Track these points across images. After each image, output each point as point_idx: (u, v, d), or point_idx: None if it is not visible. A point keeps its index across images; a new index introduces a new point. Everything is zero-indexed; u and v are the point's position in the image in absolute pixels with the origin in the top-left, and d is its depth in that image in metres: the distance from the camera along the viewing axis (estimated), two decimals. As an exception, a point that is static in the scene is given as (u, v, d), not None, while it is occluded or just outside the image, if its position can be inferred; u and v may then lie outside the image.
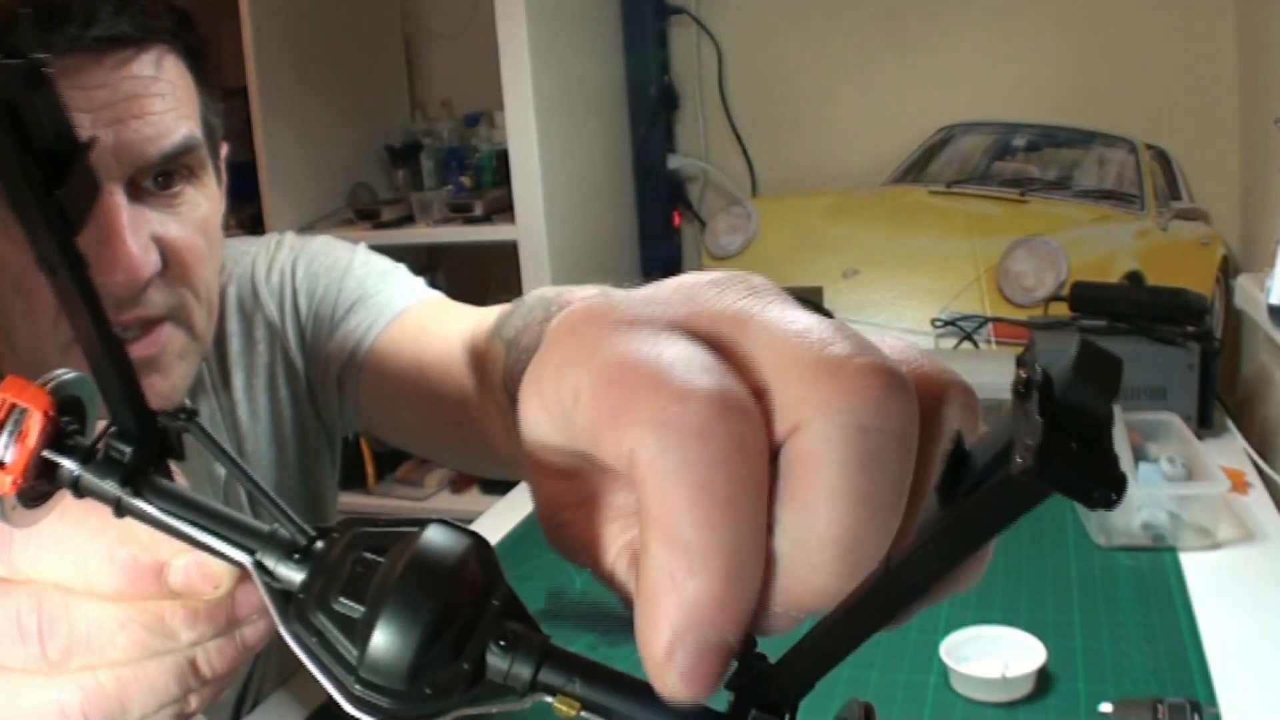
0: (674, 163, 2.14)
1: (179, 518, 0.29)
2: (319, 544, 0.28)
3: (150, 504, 0.29)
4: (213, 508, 0.29)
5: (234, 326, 0.86)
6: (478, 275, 2.18)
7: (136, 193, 0.67)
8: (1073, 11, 1.88)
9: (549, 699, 0.26)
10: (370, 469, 2.01)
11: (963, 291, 1.80)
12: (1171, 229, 1.78)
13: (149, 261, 0.66)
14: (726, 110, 2.11)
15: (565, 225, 1.84)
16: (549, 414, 0.28)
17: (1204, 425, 1.32)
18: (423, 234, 1.97)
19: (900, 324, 1.80)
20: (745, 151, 2.12)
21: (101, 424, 0.30)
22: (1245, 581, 0.96)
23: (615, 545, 0.28)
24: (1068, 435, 0.20)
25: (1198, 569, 0.98)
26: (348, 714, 0.26)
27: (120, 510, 0.29)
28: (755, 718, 0.26)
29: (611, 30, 2.05)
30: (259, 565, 0.28)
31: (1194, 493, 1.03)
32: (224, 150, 0.79)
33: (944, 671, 0.81)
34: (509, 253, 1.81)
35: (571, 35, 1.89)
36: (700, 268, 2.16)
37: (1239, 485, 1.13)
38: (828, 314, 0.27)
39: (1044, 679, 0.80)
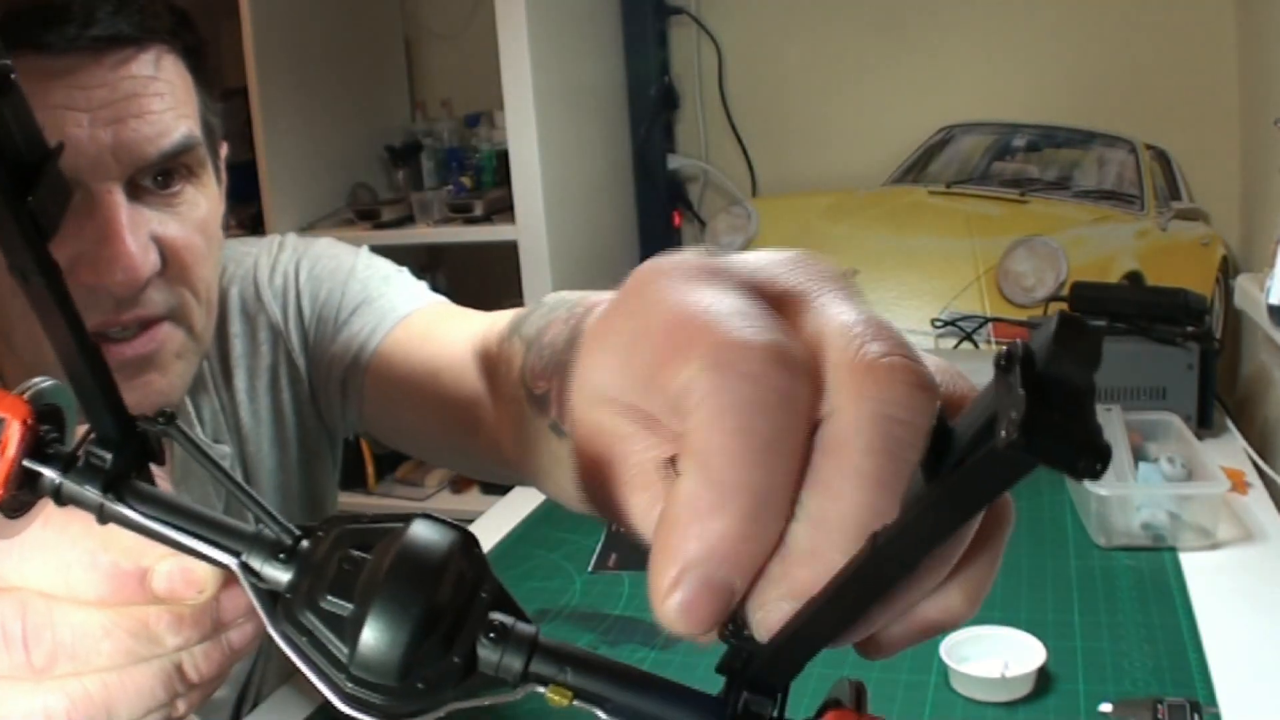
0: (674, 163, 2.14)
1: (162, 522, 0.29)
2: (305, 543, 0.28)
3: (133, 509, 0.29)
4: (196, 511, 0.29)
5: (237, 328, 0.86)
6: (478, 275, 2.18)
7: (136, 192, 0.67)
8: (1073, 12, 1.88)
9: (541, 689, 0.26)
10: (370, 469, 2.01)
11: (963, 291, 1.80)
12: (1171, 229, 1.78)
13: (148, 261, 0.66)
14: (726, 110, 2.11)
15: (565, 225, 1.84)
16: (611, 356, 0.29)
17: (1204, 425, 1.32)
18: (423, 234, 1.97)
19: (900, 324, 1.77)
20: (745, 151, 2.12)
21: (82, 431, 0.30)
22: (1245, 581, 0.96)
23: (647, 499, 0.29)
24: (1051, 407, 0.20)
25: (1197, 569, 0.98)
26: (345, 714, 0.26)
27: (103, 517, 0.29)
28: (747, 700, 0.26)
29: (611, 30, 2.05)
30: (245, 566, 0.28)
31: (1194, 493, 1.03)
32: (224, 150, 0.79)
33: (944, 671, 0.81)
34: (509, 253, 1.81)
35: (571, 35, 1.89)
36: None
37: (1239, 485, 1.13)
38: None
39: (1044, 679, 0.80)
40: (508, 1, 1.72)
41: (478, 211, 1.90)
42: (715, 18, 2.09)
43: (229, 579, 0.29)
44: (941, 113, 1.98)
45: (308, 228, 1.99)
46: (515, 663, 0.26)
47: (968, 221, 1.85)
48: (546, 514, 1.20)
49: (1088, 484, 1.03)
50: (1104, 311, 1.42)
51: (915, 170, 1.98)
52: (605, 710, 0.26)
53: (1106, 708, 0.76)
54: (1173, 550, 1.01)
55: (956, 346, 1.76)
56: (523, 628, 0.27)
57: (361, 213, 2.01)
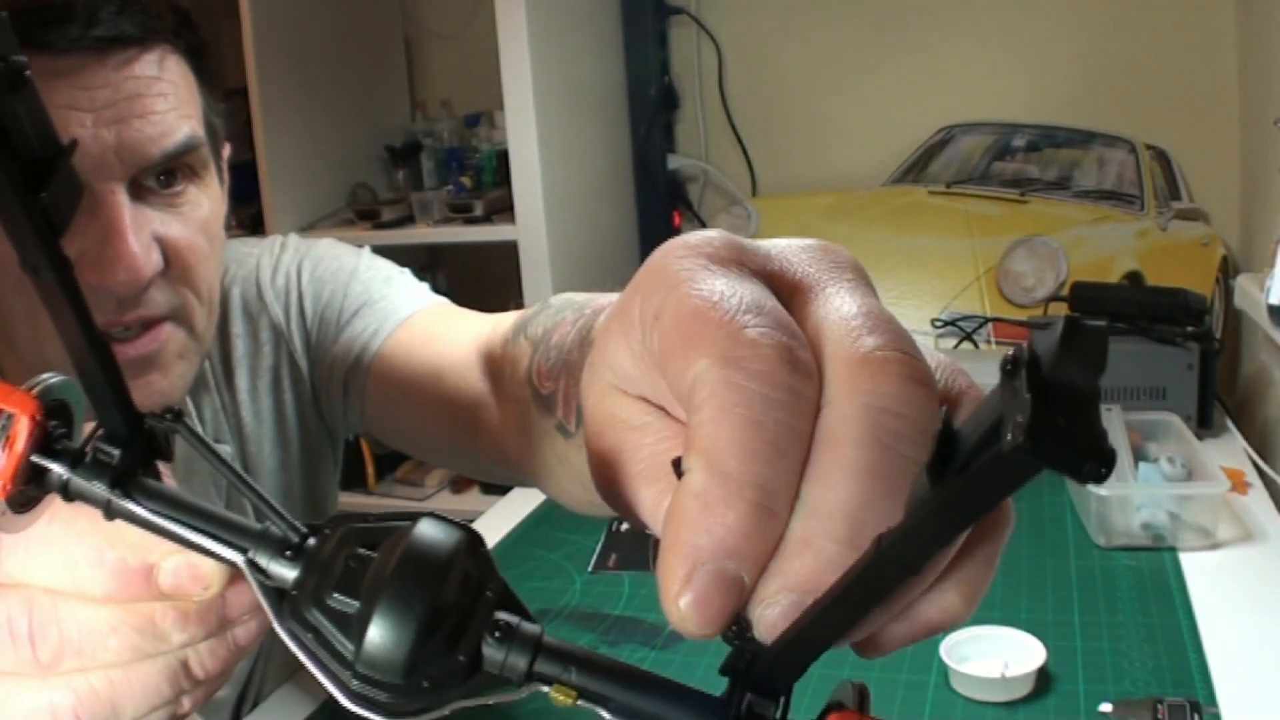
0: (674, 163, 2.14)
1: (169, 518, 0.29)
2: (311, 541, 0.28)
3: (140, 505, 0.29)
4: (203, 508, 0.29)
5: (239, 328, 0.86)
6: (478, 275, 2.18)
7: (139, 192, 0.67)
8: (1072, 12, 1.88)
9: (545, 689, 0.26)
10: (370, 469, 2.01)
11: (963, 291, 1.80)
12: (1171, 229, 1.78)
13: (151, 261, 0.66)
14: (726, 110, 2.11)
15: (565, 225, 1.84)
16: (625, 343, 0.29)
17: (1204, 425, 1.32)
18: (423, 234, 1.97)
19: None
20: (745, 151, 2.12)
21: (89, 427, 0.30)
22: (1245, 581, 0.96)
23: (656, 492, 0.29)
24: (1057, 411, 0.20)
25: (1197, 569, 0.98)
26: (348, 712, 0.26)
27: (110, 513, 0.29)
28: (750, 701, 0.26)
29: (611, 30, 2.05)
30: (252, 564, 0.28)
31: (1194, 493, 1.03)
32: (226, 151, 0.79)
33: (944, 671, 0.81)
34: (509, 253, 1.81)
35: (571, 35, 1.89)
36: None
37: (1239, 485, 1.13)
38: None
39: (1044, 679, 0.80)
40: (508, 1, 1.72)
41: (478, 211, 1.90)
42: (715, 18, 2.09)
43: (235, 575, 0.29)
44: (941, 113, 1.98)
45: (308, 228, 1.99)
46: (520, 662, 0.26)
47: (968, 221, 1.85)
48: (546, 514, 1.20)
49: (1089, 484, 1.03)
50: (1104, 311, 1.42)
51: (915, 170, 1.98)
52: (609, 710, 0.26)
53: (1106, 708, 0.76)
54: (1173, 550, 1.01)
55: (956, 346, 1.76)
56: (528, 627, 0.27)
57: (361, 213, 2.02)
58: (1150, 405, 1.30)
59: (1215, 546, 1.02)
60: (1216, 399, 1.36)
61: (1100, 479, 0.20)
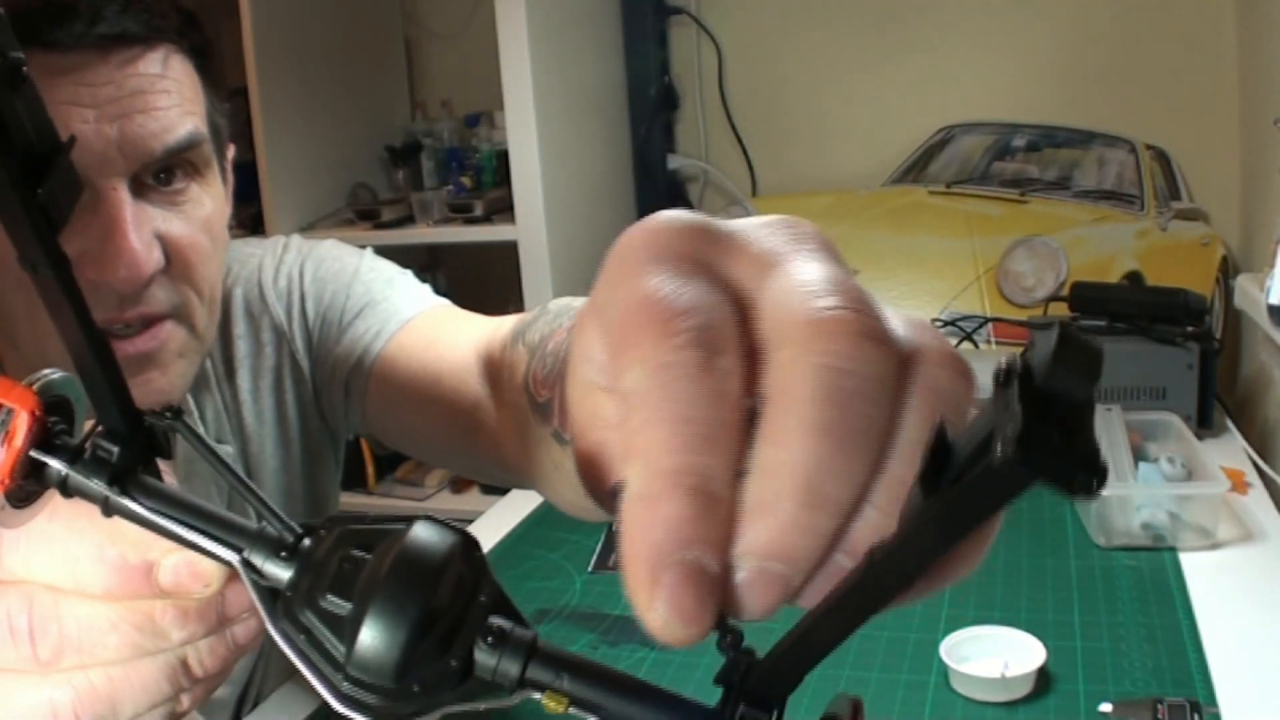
0: (674, 163, 2.14)
1: (166, 516, 0.29)
2: (306, 542, 0.28)
3: (137, 503, 0.29)
4: (200, 506, 0.29)
5: (240, 329, 0.86)
6: (478, 275, 2.18)
7: (140, 189, 0.67)
8: (1072, 12, 1.88)
9: (537, 695, 0.26)
10: (370, 469, 2.01)
11: (963, 291, 1.80)
12: (1171, 229, 1.78)
13: (151, 258, 0.66)
14: (726, 110, 2.11)
15: (565, 225, 1.84)
16: (592, 341, 0.29)
17: (1204, 425, 1.32)
18: (423, 234, 1.97)
19: (900, 324, 1.79)
20: (745, 151, 2.12)
21: (89, 424, 0.30)
22: (1245, 581, 0.96)
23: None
24: (1049, 424, 0.20)
25: (1197, 569, 0.98)
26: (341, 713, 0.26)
27: (108, 509, 0.29)
28: (744, 713, 0.26)
29: (611, 30, 2.05)
30: (246, 563, 0.28)
31: (1194, 493, 1.03)
32: (230, 152, 0.79)
33: (944, 671, 0.81)
34: (509, 253, 1.81)
35: (571, 35, 1.89)
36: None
37: (1239, 485, 1.13)
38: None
39: (1044, 679, 0.80)
40: (508, 1, 1.72)
41: (478, 211, 1.90)
42: (715, 18, 2.09)
43: (234, 574, 0.29)
44: (941, 113, 1.98)
45: (308, 228, 1.99)
46: (512, 668, 0.26)
47: (968, 221, 1.85)
48: (546, 514, 1.20)
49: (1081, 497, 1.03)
50: (1104, 311, 1.42)
51: (915, 170, 1.98)
52: (601, 717, 0.26)
53: (1106, 708, 0.76)
54: (1173, 550, 1.01)
55: (956, 346, 1.76)
56: (521, 632, 0.27)
57: (361, 213, 2.01)
58: (1150, 405, 1.30)
59: (1215, 546, 1.02)
60: (1216, 399, 1.36)
61: (1092, 492, 0.20)
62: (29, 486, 0.29)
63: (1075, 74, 1.89)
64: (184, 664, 0.33)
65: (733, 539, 0.25)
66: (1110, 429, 1.15)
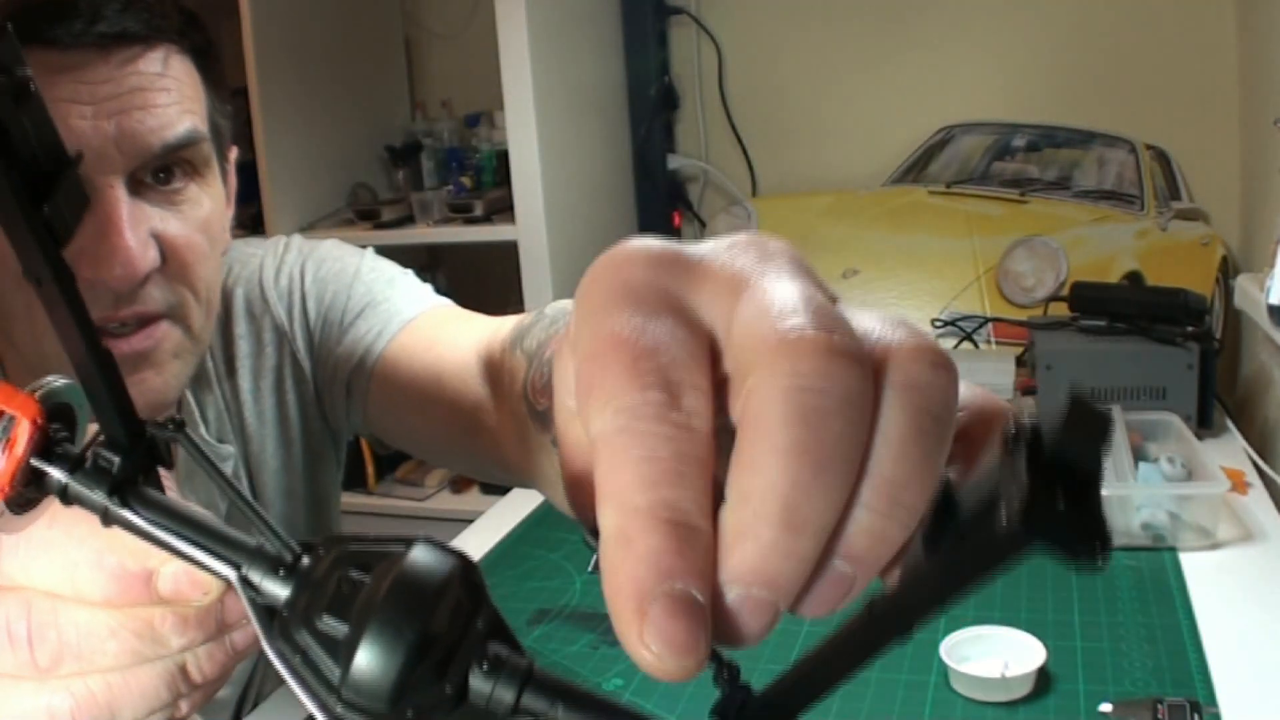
0: (674, 163, 2.14)
1: (166, 529, 0.29)
2: (305, 560, 0.28)
3: (137, 514, 0.29)
4: (200, 520, 0.29)
5: (242, 329, 0.86)
6: (478, 275, 2.18)
7: (138, 188, 0.67)
8: (1073, 12, 1.88)
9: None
10: (370, 469, 2.01)
11: (963, 291, 1.80)
12: (1171, 229, 1.78)
13: (147, 257, 0.66)
14: (726, 110, 2.11)
15: (565, 225, 1.84)
16: (569, 372, 0.29)
17: (1204, 425, 1.32)
18: (423, 234, 1.97)
19: (900, 324, 1.79)
20: (745, 151, 2.12)
21: (91, 432, 0.30)
22: (1245, 581, 0.96)
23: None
24: (1055, 493, 0.20)
25: (1198, 569, 0.98)
26: None
27: (107, 519, 0.29)
28: None
29: (611, 30, 2.05)
30: (244, 580, 0.28)
31: (1194, 493, 1.03)
32: (233, 154, 0.79)
33: (944, 671, 0.81)
34: (509, 253, 1.81)
35: (571, 35, 1.89)
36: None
37: (1239, 485, 1.13)
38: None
39: (1044, 679, 0.80)
40: (508, 1, 1.72)
41: (478, 211, 1.90)
42: (715, 18, 2.09)
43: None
44: (941, 113, 1.98)
45: (308, 228, 1.99)
46: (507, 695, 0.26)
47: (968, 221, 1.85)
48: (546, 514, 1.20)
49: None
50: (1104, 311, 1.42)
51: (915, 170, 1.98)
52: None
53: (1106, 708, 0.76)
54: (1173, 550, 1.01)
55: (956, 346, 1.76)
56: (517, 659, 0.26)
57: (361, 213, 2.01)
58: (1150, 405, 1.30)
59: (1215, 546, 1.02)
60: (1216, 399, 1.36)
61: (1096, 564, 0.20)
62: (29, 494, 0.29)
63: (1075, 74, 1.89)
64: (183, 670, 0.33)
65: (715, 568, 0.25)
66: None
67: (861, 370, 0.25)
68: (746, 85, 2.11)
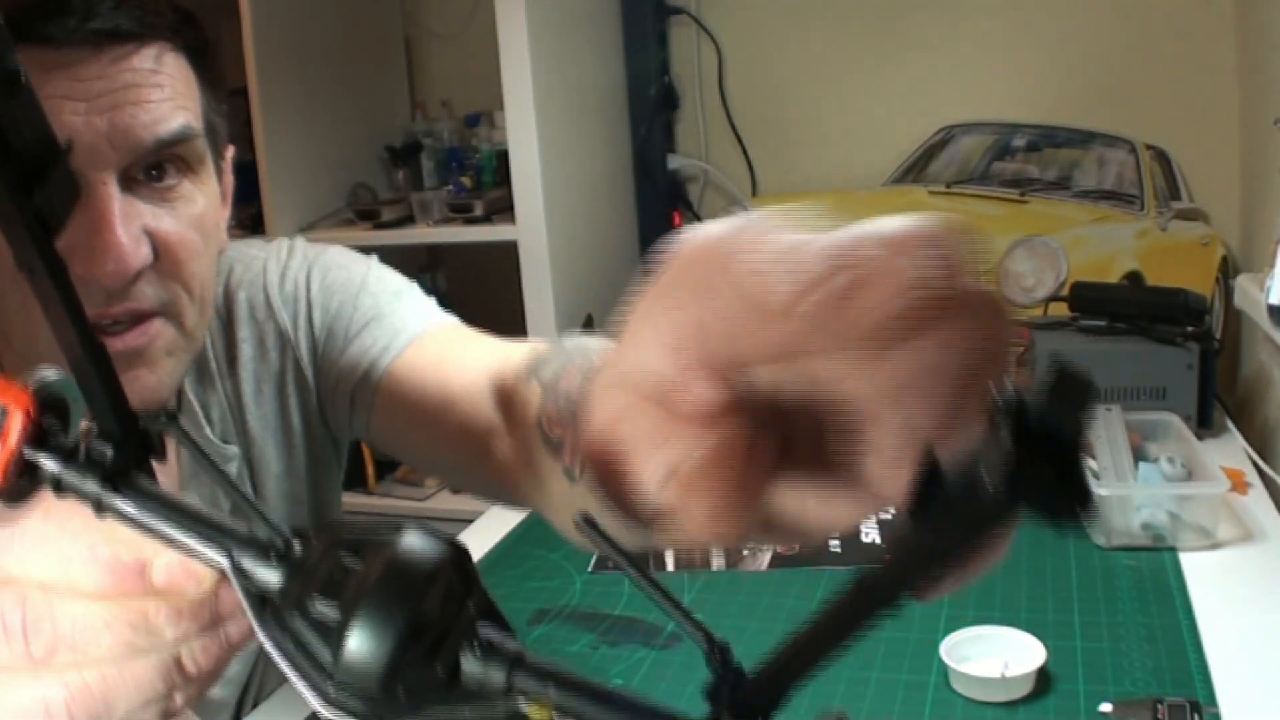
0: (674, 163, 2.14)
1: (159, 519, 0.29)
2: (297, 548, 0.28)
3: (130, 504, 0.29)
4: (192, 509, 0.29)
5: (245, 332, 0.86)
6: (478, 275, 2.18)
7: (130, 185, 0.67)
8: (1073, 12, 1.88)
9: (522, 705, 0.26)
10: (370, 470, 2.01)
11: (963, 291, 1.80)
12: (1171, 229, 1.78)
13: (139, 253, 0.66)
14: (726, 110, 2.11)
15: (565, 225, 1.84)
16: (639, 351, 0.29)
17: (1204, 425, 1.32)
18: (423, 234, 1.97)
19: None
20: (745, 152, 2.12)
21: (85, 424, 0.30)
22: (1245, 581, 0.96)
23: (660, 472, 0.29)
24: (1038, 460, 0.20)
25: (1198, 569, 0.98)
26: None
27: (100, 510, 0.29)
28: None
29: (611, 30, 2.05)
30: (237, 568, 0.28)
31: (1194, 493, 1.03)
32: (229, 153, 0.79)
33: (944, 671, 0.81)
34: (509, 253, 1.81)
35: (571, 35, 1.89)
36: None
37: (1239, 485, 1.13)
38: None
39: (1044, 679, 0.80)
40: (508, 1, 1.72)
41: (478, 211, 1.89)
42: (715, 18, 2.09)
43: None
44: (941, 113, 1.98)
45: (308, 228, 1.99)
46: (498, 677, 0.26)
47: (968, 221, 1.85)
48: (546, 514, 1.20)
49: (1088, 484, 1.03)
50: (1104, 311, 1.42)
51: (915, 170, 1.98)
52: None
53: (1106, 708, 0.76)
54: (1173, 550, 1.01)
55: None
56: (508, 643, 0.27)
57: (361, 213, 2.01)
58: (1150, 405, 1.30)
59: (1215, 546, 1.02)
60: (1216, 399, 1.36)
61: (1079, 528, 0.20)
62: (23, 485, 0.29)
63: (1075, 74, 1.89)
64: (177, 662, 0.33)
65: None
66: (1110, 429, 1.15)
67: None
68: (746, 85, 2.11)
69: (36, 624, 0.31)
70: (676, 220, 2.16)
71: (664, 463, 0.29)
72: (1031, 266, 1.77)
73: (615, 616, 0.96)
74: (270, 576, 0.28)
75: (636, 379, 0.30)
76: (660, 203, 2.13)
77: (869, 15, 1.99)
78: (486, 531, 1.19)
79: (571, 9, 1.89)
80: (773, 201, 2.07)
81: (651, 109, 2.08)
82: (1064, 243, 1.76)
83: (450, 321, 0.87)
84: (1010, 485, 0.20)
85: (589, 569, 1.07)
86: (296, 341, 0.87)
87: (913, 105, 1.99)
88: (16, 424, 0.28)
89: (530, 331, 1.78)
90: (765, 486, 0.29)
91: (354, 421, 0.86)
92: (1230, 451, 1.28)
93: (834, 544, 1.08)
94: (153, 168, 0.68)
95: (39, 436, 0.29)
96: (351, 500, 1.95)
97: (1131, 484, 1.06)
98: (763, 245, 0.29)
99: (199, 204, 0.71)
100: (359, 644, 0.25)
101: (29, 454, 0.29)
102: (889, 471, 0.26)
